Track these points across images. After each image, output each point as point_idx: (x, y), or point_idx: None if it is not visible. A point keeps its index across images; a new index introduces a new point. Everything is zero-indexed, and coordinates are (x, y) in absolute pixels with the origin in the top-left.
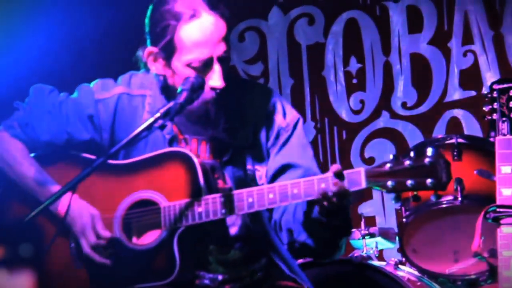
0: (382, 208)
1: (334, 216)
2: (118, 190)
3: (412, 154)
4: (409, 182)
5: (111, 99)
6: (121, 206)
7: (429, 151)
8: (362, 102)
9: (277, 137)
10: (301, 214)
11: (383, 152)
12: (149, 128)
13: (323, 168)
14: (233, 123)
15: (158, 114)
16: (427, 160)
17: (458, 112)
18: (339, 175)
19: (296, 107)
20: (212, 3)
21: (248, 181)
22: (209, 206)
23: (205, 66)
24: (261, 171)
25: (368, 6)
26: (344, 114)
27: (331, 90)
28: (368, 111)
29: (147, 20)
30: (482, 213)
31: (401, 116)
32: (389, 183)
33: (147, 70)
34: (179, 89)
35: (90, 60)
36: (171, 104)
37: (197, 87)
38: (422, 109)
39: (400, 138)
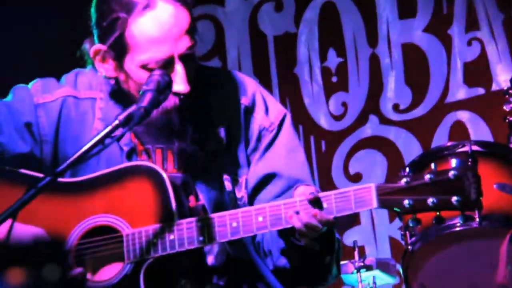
0: (373, 235)
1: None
2: (68, 215)
3: (433, 166)
4: (430, 200)
5: (54, 103)
6: (73, 235)
7: (454, 162)
8: (344, 105)
9: (259, 139)
10: (277, 236)
11: (372, 167)
12: (106, 138)
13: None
14: (204, 130)
15: (116, 122)
16: (451, 173)
17: (462, 115)
18: (316, 203)
19: None
20: None
21: (225, 194)
22: (184, 232)
23: (164, 68)
24: (240, 182)
25: None
26: (323, 121)
27: (306, 91)
28: (352, 116)
29: (92, 10)
30: (508, 236)
31: (393, 122)
32: (406, 202)
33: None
34: (141, 91)
35: (26, 56)
36: (133, 108)
37: (164, 87)
38: (419, 112)
39: (392, 149)
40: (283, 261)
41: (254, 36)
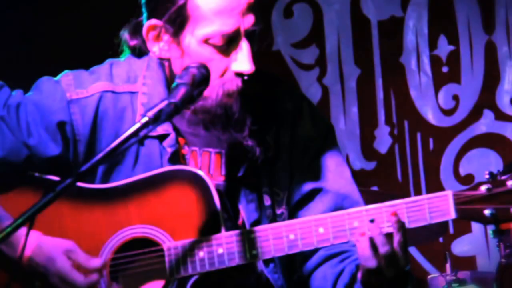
0: (485, 245)
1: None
2: (101, 226)
3: None
4: None
5: (90, 99)
6: (107, 248)
7: None
8: (456, 98)
9: (304, 151)
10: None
11: (486, 168)
12: (134, 137)
13: (405, 192)
14: (263, 123)
15: (146, 118)
16: None
17: None
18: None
19: (365, 106)
20: None
21: (263, 210)
22: (234, 246)
23: (229, 43)
24: (281, 196)
25: None
26: (431, 115)
27: (413, 83)
28: (464, 111)
29: None
30: None
31: (510, 117)
32: (487, 211)
33: (136, 54)
34: (174, 84)
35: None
36: (164, 103)
37: (199, 82)
38: None
39: (509, 148)
40: None
41: (356, 21)
